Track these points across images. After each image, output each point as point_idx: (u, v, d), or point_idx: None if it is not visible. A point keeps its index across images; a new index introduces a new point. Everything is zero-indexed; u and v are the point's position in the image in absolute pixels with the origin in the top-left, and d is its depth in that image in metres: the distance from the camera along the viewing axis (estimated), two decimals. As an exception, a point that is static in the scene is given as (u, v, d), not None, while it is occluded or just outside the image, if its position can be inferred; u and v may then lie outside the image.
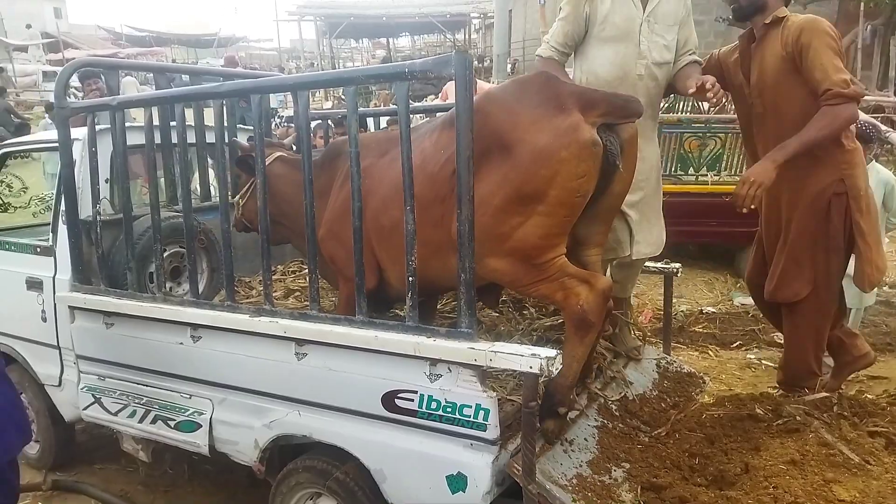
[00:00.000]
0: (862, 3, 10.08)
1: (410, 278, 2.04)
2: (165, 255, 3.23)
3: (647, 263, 3.19)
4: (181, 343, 2.61)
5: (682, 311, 5.45)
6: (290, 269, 3.92)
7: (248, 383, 2.47)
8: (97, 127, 2.84)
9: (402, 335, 2.04)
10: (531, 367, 1.78)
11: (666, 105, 6.77)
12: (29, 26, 30.92)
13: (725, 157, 5.96)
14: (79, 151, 2.94)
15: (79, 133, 2.97)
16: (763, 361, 4.65)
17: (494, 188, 2.05)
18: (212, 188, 3.73)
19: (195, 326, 2.55)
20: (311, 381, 2.29)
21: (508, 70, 18.48)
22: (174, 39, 32.50)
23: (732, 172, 5.97)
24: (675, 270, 3.12)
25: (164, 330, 2.65)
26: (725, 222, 6.02)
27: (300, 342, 2.28)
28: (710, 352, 4.86)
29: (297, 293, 3.38)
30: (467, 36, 26.53)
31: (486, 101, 2.15)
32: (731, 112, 6.65)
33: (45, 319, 3.12)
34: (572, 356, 2.12)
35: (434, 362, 1.99)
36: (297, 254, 4.09)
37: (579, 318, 2.09)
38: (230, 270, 2.53)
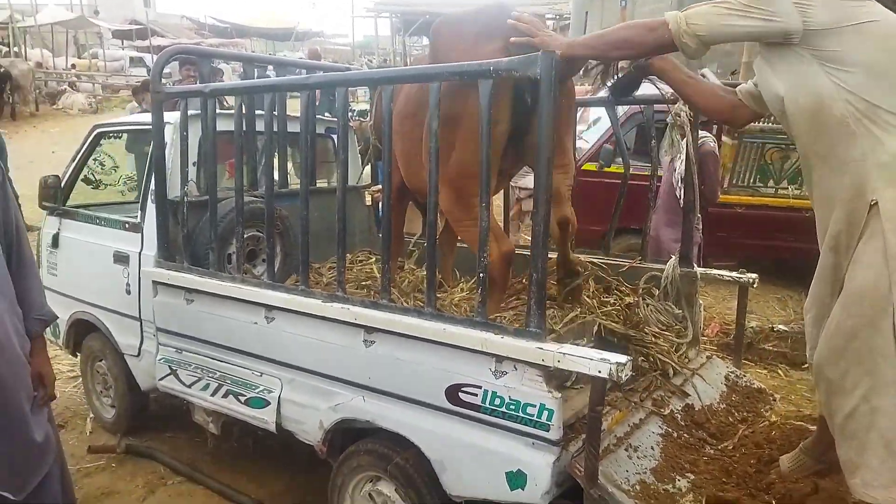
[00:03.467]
0: None
1: (481, 273, 2.07)
2: (244, 237, 3.37)
3: (722, 273, 3.12)
4: (256, 322, 2.72)
5: (751, 328, 5.27)
6: (358, 259, 4.00)
7: (316, 366, 2.55)
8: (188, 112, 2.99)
9: (469, 330, 2.07)
10: (600, 372, 1.77)
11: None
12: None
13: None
14: (170, 135, 3.09)
15: (170, 117, 3.13)
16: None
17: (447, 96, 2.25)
18: (289, 176, 3.86)
19: (270, 308, 2.65)
20: (378, 368, 2.34)
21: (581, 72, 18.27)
22: (254, 32, 33.55)
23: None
24: (750, 281, 3.03)
25: (240, 309, 2.77)
26: (803, 238, 5.79)
27: (369, 330, 2.34)
28: (779, 371, 4.70)
29: (368, 282, 3.46)
30: (541, 36, 26.28)
31: (441, 25, 2.61)
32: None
33: (129, 292, 3.30)
34: (493, 298, 2.39)
35: (500, 359, 2.01)
36: (365, 243, 4.18)
37: (491, 273, 2.29)
38: (306, 256, 2.61)
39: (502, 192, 3.83)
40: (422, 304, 2.40)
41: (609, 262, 3.34)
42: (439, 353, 2.15)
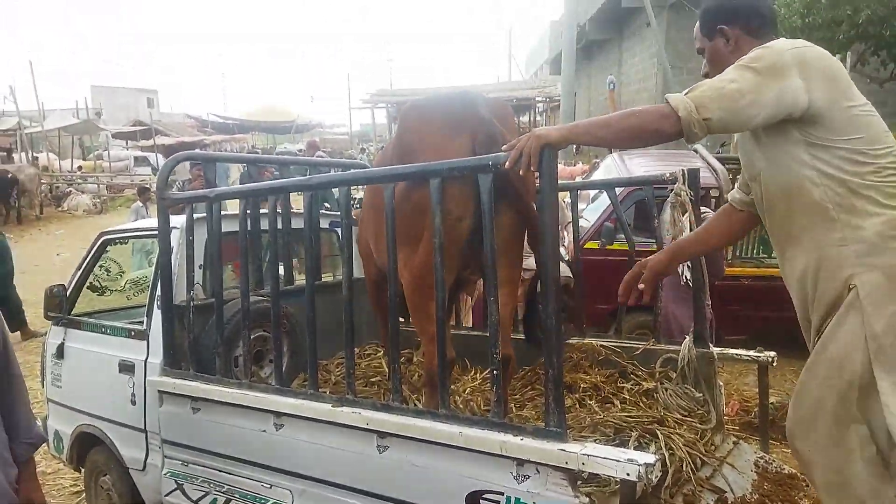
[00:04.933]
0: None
1: (495, 371, 2.01)
2: (251, 338, 3.33)
3: (739, 352, 3.05)
4: (264, 430, 2.63)
5: (772, 404, 5.11)
6: (366, 352, 3.94)
7: (328, 475, 2.45)
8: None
9: (487, 432, 1.99)
10: (628, 474, 1.69)
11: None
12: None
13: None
14: (176, 239, 3.10)
15: (177, 221, 3.15)
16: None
17: (400, 195, 2.31)
18: (294, 272, 3.86)
19: (278, 414, 2.57)
20: (393, 475, 2.24)
21: (574, 150, 18.71)
22: (255, 126, 34.61)
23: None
24: (770, 360, 2.96)
25: (248, 416, 2.68)
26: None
27: (382, 434, 2.25)
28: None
29: (377, 378, 3.39)
30: (532, 118, 27.13)
31: (410, 110, 2.65)
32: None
33: (134, 402, 3.22)
34: (427, 403, 2.50)
35: (521, 462, 1.93)
36: (373, 335, 4.12)
37: (429, 375, 2.45)
38: (314, 358, 2.56)
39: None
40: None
41: (622, 345, 3.28)
42: (457, 457, 2.06)
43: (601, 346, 3.25)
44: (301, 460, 2.54)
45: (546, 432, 1.89)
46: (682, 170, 3.08)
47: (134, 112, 37.34)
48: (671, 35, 15.25)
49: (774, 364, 2.99)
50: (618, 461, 1.72)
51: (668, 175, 3.14)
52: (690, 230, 3.11)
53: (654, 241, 3.84)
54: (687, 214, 3.09)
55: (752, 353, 3.02)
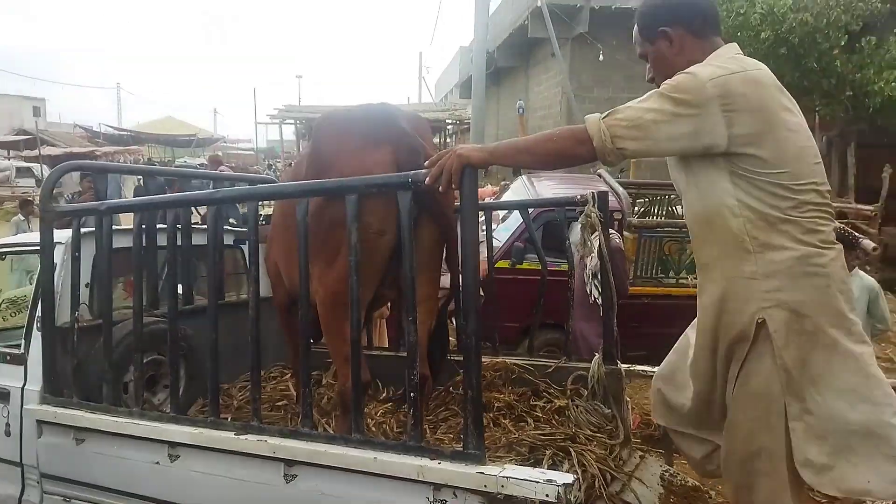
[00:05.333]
0: (817, 116, 10.67)
1: (412, 393, 1.94)
2: (143, 363, 3.08)
3: (646, 368, 3.13)
4: (157, 462, 2.41)
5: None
6: (271, 375, 3.75)
7: (230, 509, 2.27)
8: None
9: (403, 457, 1.91)
10: (548, 495, 1.66)
11: (643, 209, 6.94)
12: None
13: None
14: (60, 255, 2.84)
15: (61, 236, 2.88)
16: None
17: (315, 209, 2.22)
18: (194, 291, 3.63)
19: (173, 444, 2.37)
20: (302, 507, 2.11)
21: (483, 172, 19.07)
22: (151, 139, 32.96)
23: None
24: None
25: (139, 447, 2.46)
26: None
27: (290, 463, 2.12)
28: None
29: (283, 402, 3.22)
30: (442, 140, 27.45)
31: (325, 121, 2.56)
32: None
33: (8, 434, 2.90)
34: (340, 426, 2.44)
35: (438, 487, 1.86)
36: (279, 356, 3.94)
37: (342, 398, 2.40)
38: (215, 381, 2.39)
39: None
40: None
41: (535, 363, 3.29)
42: (372, 483, 1.97)
43: (514, 364, 3.25)
44: (199, 494, 2.35)
45: (464, 455, 1.83)
46: (592, 192, 3.15)
47: (18, 120, 34.69)
48: (575, 66, 15.86)
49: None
50: (537, 482, 1.68)
51: (579, 197, 3.21)
52: (599, 250, 3.18)
53: (563, 260, 3.92)
54: (596, 234, 3.16)
55: (649, 367, 3.10)
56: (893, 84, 9.22)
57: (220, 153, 22.16)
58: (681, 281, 6.08)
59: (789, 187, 1.81)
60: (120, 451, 2.51)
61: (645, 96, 1.88)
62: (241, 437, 2.20)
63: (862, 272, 4.15)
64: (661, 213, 6.95)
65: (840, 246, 1.89)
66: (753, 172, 1.81)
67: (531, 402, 3.09)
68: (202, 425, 2.34)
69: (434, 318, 2.50)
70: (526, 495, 1.70)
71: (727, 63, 1.87)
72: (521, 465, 2.03)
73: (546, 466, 2.35)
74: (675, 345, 2.41)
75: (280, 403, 3.26)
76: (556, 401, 3.05)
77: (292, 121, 25.92)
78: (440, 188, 1.87)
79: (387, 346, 4.36)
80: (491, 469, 1.77)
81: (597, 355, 3.13)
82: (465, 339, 1.83)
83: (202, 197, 2.52)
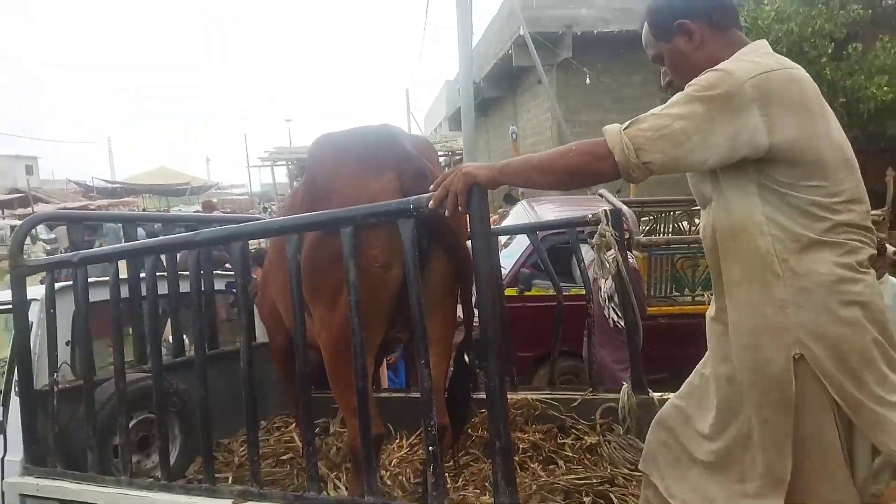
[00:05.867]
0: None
1: (430, 447, 1.69)
2: (133, 423, 2.83)
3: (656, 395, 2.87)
4: (149, 537, 2.15)
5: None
6: (275, 426, 3.49)
7: (231, 586, 2.01)
8: (57, 285, 2.54)
9: (426, 520, 1.66)
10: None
11: (648, 228, 6.74)
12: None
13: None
14: (36, 313, 2.61)
15: (36, 292, 2.65)
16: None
17: (314, 245, 2.02)
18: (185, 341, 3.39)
19: (168, 516, 2.11)
20: (313, 581, 1.85)
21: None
22: (146, 189, 32.88)
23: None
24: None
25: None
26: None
27: (299, 533, 1.86)
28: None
29: (289, 456, 2.96)
30: (435, 172, 27.34)
31: (321, 144, 2.26)
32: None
33: (-12, 511, 2.63)
34: (354, 485, 2.15)
35: (470, 553, 1.60)
36: (282, 406, 3.67)
37: (352, 454, 2.16)
38: (209, 446, 2.13)
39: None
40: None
41: (558, 396, 3.04)
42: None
43: (536, 400, 3.00)
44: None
45: (497, 516, 1.58)
46: (605, 210, 2.94)
47: (11, 180, 34.67)
48: (561, 91, 15.83)
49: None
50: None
51: (590, 216, 3.00)
52: (617, 270, 2.96)
53: (571, 284, 3.70)
54: (612, 254, 2.94)
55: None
56: (885, 89, 9.14)
57: (214, 199, 22.02)
58: (697, 298, 5.83)
59: (826, 206, 1.55)
60: (107, 526, 2.25)
61: (671, 101, 1.62)
62: (241, 505, 1.94)
63: (893, 278, 3.93)
64: (667, 230, 6.74)
65: (874, 272, 1.62)
66: (787, 186, 1.56)
67: (559, 441, 2.84)
68: (196, 493, 2.08)
69: (449, 359, 2.25)
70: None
71: (763, 59, 1.62)
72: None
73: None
74: (684, 388, 2.01)
75: (285, 457, 3.00)
76: (586, 437, 2.80)
77: (284, 162, 25.89)
78: (446, 212, 1.65)
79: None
80: (531, 531, 1.52)
81: (625, 385, 2.89)
82: (488, 382, 1.59)
83: (184, 239, 2.29)
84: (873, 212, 7.33)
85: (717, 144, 1.54)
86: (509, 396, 3.05)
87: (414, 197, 1.73)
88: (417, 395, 3.19)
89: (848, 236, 1.57)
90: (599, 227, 2.89)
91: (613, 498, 2.24)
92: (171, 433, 3.01)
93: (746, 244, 1.61)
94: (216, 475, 2.86)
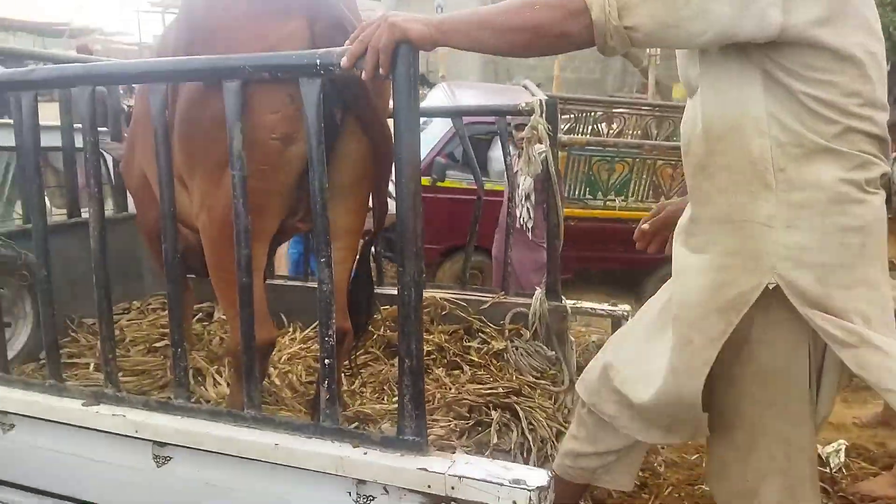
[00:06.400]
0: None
1: (327, 360, 1.43)
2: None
3: (594, 306, 2.76)
4: (-19, 433, 1.81)
5: (593, 343, 5.13)
6: (151, 307, 3.12)
7: (81, 494, 1.73)
8: None
9: (316, 443, 1.42)
10: (516, 503, 1.23)
11: (567, 126, 6.54)
12: None
13: (633, 182, 5.77)
14: None
15: None
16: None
17: (196, 102, 1.61)
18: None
19: (3, 413, 1.77)
20: (178, 498, 1.60)
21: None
22: (18, 26, 28.98)
23: (640, 198, 5.79)
24: (624, 314, 2.69)
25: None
26: (632, 249, 5.84)
27: (160, 444, 1.58)
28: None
29: (164, 343, 2.62)
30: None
31: None
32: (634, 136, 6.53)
33: None
34: (233, 397, 1.90)
35: (363, 482, 1.39)
36: (160, 284, 3.28)
37: (234, 359, 1.81)
38: (53, 333, 1.77)
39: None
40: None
41: (467, 297, 2.85)
42: (271, 473, 1.47)
43: (444, 299, 2.79)
44: (41, 474, 1.78)
45: (399, 442, 1.36)
46: (540, 100, 2.64)
47: None
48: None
49: (629, 319, 2.75)
50: (501, 484, 1.24)
51: (523, 105, 2.69)
52: (547, 169, 2.72)
53: (485, 179, 3.43)
54: (542, 150, 2.68)
55: (606, 306, 2.75)
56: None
57: (96, 47, 19.58)
58: (608, 203, 5.79)
59: (841, 107, 1.31)
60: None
61: None
62: (91, 408, 1.62)
63: None
64: (586, 131, 6.58)
65: (884, 193, 1.40)
66: (799, 78, 1.30)
67: (464, 344, 2.67)
68: (39, 390, 1.74)
69: (356, 254, 1.95)
70: (486, 501, 1.26)
71: None
72: (470, 450, 1.60)
73: (495, 434, 1.94)
74: (632, 323, 1.86)
75: (159, 345, 2.66)
76: (493, 342, 2.64)
77: (176, 10, 23.41)
78: (363, 74, 1.29)
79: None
80: (436, 463, 1.31)
81: (538, 290, 2.72)
82: (402, 290, 1.32)
83: (15, 77, 1.76)
84: None
85: (717, 16, 1.25)
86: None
87: (322, 50, 1.35)
88: (313, 284, 2.95)
89: (860, 147, 1.33)
90: (532, 118, 2.60)
91: (519, 410, 2.11)
92: (21, 310, 2.60)
93: (738, 146, 1.36)
94: (76, 360, 2.54)
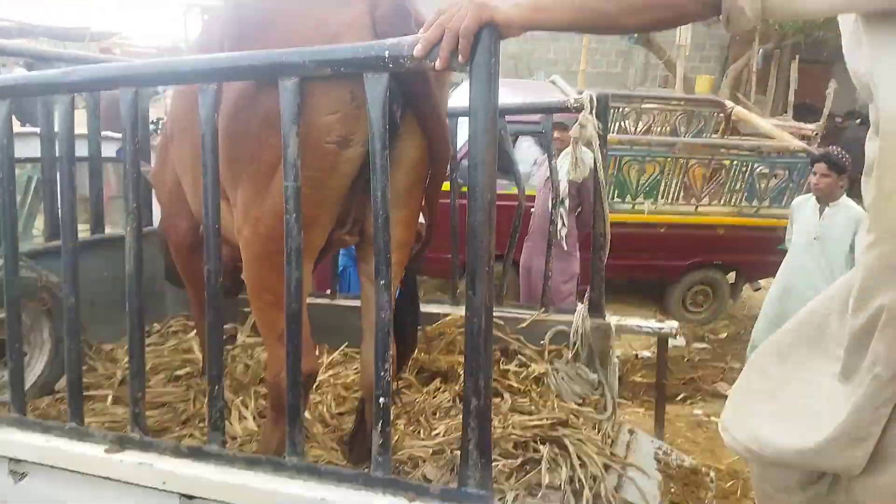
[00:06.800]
0: (758, 27, 10.30)
1: (382, 399, 1.29)
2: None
3: (640, 324, 2.59)
4: (-6, 480, 1.68)
5: (616, 357, 4.94)
6: (172, 329, 2.99)
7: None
8: None
9: (367, 496, 1.27)
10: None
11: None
12: None
13: (663, 183, 5.57)
14: None
15: None
16: (712, 418, 4.21)
17: (240, 103, 1.46)
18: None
19: (16, 461, 1.64)
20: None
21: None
22: (42, 31, 29.21)
23: (669, 201, 5.59)
24: (672, 332, 2.52)
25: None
26: (658, 255, 5.67)
27: (189, 496, 1.45)
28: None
29: (185, 370, 2.49)
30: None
31: None
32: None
33: None
34: (268, 438, 1.71)
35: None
36: (183, 304, 3.14)
37: (276, 393, 1.60)
38: (77, 367, 1.63)
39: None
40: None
41: (505, 315, 2.69)
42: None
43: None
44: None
45: (463, 496, 1.21)
46: (591, 95, 2.47)
47: None
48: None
49: (677, 337, 2.58)
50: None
51: (572, 101, 2.52)
52: (596, 172, 2.54)
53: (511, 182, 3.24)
54: (593, 153, 2.52)
55: (653, 323, 2.58)
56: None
57: (115, 51, 19.60)
58: (636, 207, 5.60)
59: None
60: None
61: None
62: (115, 456, 1.49)
63: (850, 201, 3.71)
64: (613, 129, 6.40)
65: None
66: None
67: (501, 367, 2.51)
68: (57, 434, 1.60)
69: (402, 272, 1.80)
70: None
71: None
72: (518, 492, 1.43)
73: (546, 473, 1.79)
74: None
75: (181, 372, 2.53)
76: (532, 364, 2.49)
77: (199, 11, 23.40)
78: (436, 64, 1.14)
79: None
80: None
81: (580, 306, 2.56)
82: (470, 317, 1.17)
83: (50, 79, 1.62)
84: (807, 126, 6.94)
85: None
86: (448, 312, 2.69)
87: (392, 39, 1.20)
88: (346, 302, 2.79)
89: None
90: (581, 115, 2.43)
91: (569, 444, 1.95)
92: (38, 338, 2.46)
93: None
94: (93, 392, 2.39)
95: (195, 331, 2.86)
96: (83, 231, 2.92)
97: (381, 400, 1.28)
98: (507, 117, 4.24)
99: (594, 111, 2.40)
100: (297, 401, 1.37)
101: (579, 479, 1.86)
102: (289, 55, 1.26)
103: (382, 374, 1.28)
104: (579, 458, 1.94)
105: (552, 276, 4.03)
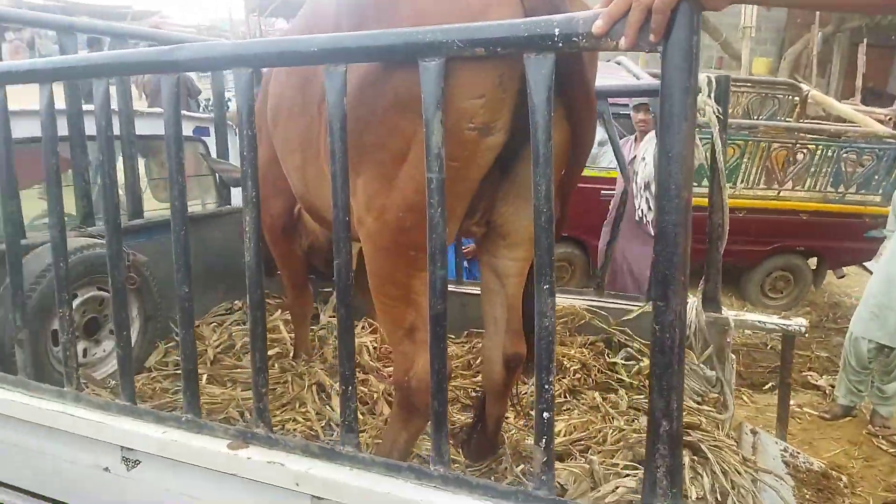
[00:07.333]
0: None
1: (545, 413, 1.14)
2: (76, 303, 2.21)
3: (762, 319, 2.40)
4: (106, 469, 1.59)
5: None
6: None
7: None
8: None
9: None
10: None
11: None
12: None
13: (743, 167, 5.31)
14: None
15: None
16: (805, 409, 4.01)
17: (363, 85, 1.32)
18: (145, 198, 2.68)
19: (129, 448, 1.54)
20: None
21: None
22: (83, 10, 29.60)
23: (749, 185, 5.33)
24: (801, 329, 2.32)
25: (77, 442, 1.62)
26: (737, 240, 5.41)
27: (319, 498, 1.32)
28: (743, 397, 4.16)
29: (276, 351, 2.39)
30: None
31: None
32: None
33: None
34: (392, 440, 1.57)
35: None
36: (239, 288, 3.03)
37: (404, 394, 1.49)
38: (192, 358, 1.51)
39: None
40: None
41: (607, 305, 2.53)
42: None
43: (585, 310, 2.48)
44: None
45: None
46: (709, 77, 2.28)
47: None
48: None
49: (806, 335, 2.38)
50: None
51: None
52: (714, 158, 2.36)
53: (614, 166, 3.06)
54: (714, 137, 2.32)
55: (777, 319, 2.38)
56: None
57: (165, 29, 19.75)
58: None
59: None
60: (49, 443, 1.67)
61: None
62: (240, 453, 1.37)
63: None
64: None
65: None
66: None
67: (608, 360, 2.35)
68: (173, 425, 1.50)
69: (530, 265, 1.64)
70: None
71: None
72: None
73: (691, 485, 1.63)
74: None
75: (271, 353, 2.44)
76: (643, 359, 2.32)
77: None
78: (620, 43, 0.97)
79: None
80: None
81: (693, 299, 2.38)
82: (660, 333, 1.01)
83: (155, 57, 1.51)
84: (878, 110, 6.63)
85: None
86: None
87: (561, 15, 1.03)
88: (468, 289, 2.65)
89: None
90: (699, 98, 2.24)
91: (705, 449, 1.78)
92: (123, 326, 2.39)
93: None
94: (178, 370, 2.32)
95: (279, 308, 2.77)
96: (164, 209, 2.85)
97: (545, 415, 1.13)
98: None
99: (712, 94, 2.20)
100: (443, 407, 1.23)
101: (720, 488, 1.71)
102: (433, 33, 1.10)
103: (546, 386, 1.12)
104: (721, 465, 1.78)
105: (640, 263, 3.87)
